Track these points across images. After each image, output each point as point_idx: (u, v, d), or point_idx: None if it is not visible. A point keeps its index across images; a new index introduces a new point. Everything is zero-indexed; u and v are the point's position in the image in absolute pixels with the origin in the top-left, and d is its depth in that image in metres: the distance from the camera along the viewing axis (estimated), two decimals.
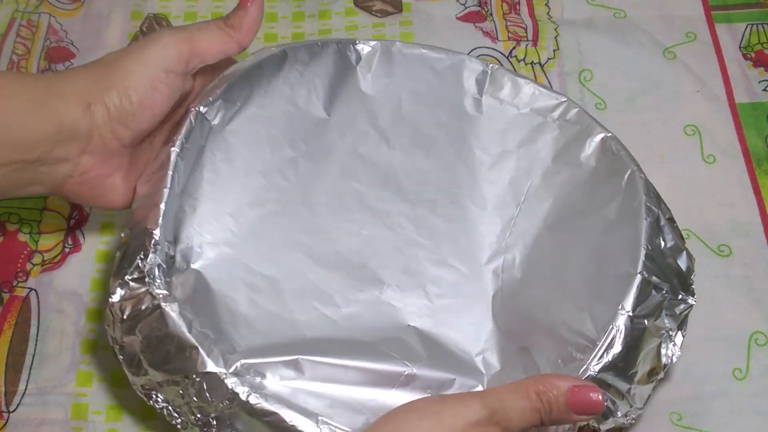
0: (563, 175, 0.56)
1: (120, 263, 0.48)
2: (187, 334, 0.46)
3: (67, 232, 0.62)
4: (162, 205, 0.49)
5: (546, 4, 0.72)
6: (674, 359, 0.49)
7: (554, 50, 0.70)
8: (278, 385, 0.47)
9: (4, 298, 0.59)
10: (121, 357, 0.48)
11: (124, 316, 0.47)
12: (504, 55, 0.69)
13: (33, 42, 0.70)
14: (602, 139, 0.55)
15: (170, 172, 0.50)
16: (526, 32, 0.71)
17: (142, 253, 0.47)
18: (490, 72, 0.59)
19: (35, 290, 0.60)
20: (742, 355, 0.58)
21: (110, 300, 0.48)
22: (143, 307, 0.47)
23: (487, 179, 0.57)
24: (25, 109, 0.48)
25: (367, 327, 0.51)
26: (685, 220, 0.63)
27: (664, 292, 0.49)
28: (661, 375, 0.49)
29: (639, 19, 0.72)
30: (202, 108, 0.52)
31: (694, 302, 0.50)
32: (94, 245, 0.62)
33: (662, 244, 0.51)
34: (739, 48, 0.70)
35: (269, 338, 0.49)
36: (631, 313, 0.47)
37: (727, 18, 0.72)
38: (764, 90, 0.68)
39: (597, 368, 0.46)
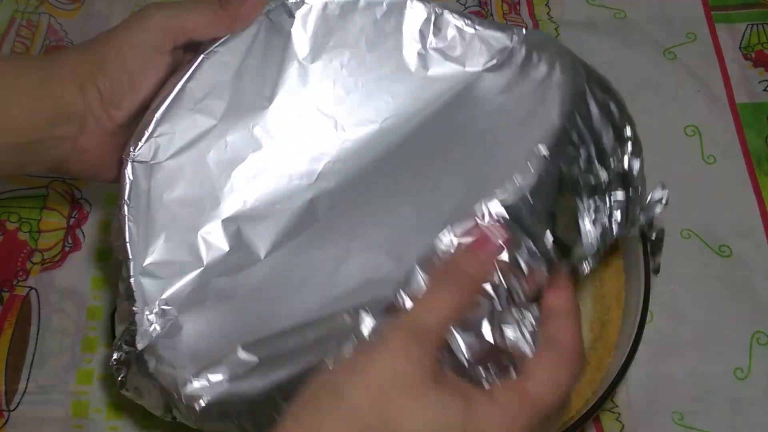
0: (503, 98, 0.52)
1: (119, 334, 0.49)
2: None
3: (67, 230, 0.62)
4: (132, 280, 0.48)
5: (546, 4, 0.72)
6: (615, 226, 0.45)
7: None
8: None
9: (4, 297, 0.59)
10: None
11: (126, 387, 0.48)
12: None
13: (32, 41, 0.70)
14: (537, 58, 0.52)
15: (127, 243, 0.49)
16: None
17: (127, 332, 0.48)
18: (434, 19, 0.54)
19: (35, 289, 0.60)
20: (743, 354, 0.58)
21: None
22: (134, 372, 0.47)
23: (439, 148, 0.53)
24: (24, 93, 0.48)
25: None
26: (685, 220, 0.63)
27: (581, 153, 0.45)
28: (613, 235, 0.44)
29: (639, 20, 0.72)
30: (134, 154, 0.50)
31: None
32: (94, 244, 0.62)
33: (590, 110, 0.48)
34: (739, 48, 0.70)
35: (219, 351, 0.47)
36: (546, 154, 0.43)
37: (727, 18, 0.72)
38: (764, 90, 0.68)
39: (503, 196, 0.41)
